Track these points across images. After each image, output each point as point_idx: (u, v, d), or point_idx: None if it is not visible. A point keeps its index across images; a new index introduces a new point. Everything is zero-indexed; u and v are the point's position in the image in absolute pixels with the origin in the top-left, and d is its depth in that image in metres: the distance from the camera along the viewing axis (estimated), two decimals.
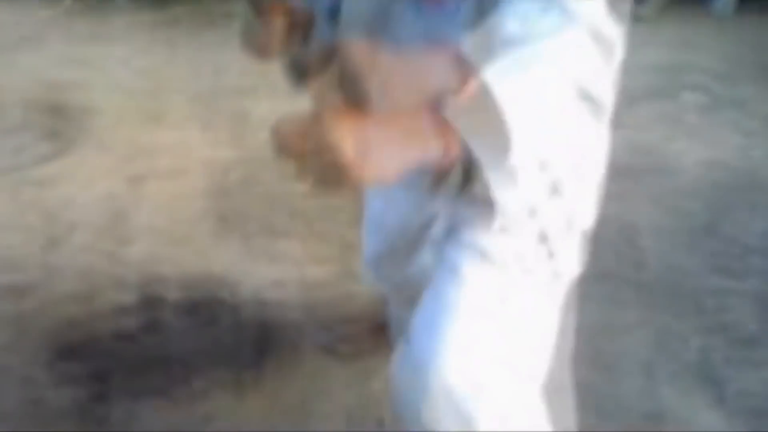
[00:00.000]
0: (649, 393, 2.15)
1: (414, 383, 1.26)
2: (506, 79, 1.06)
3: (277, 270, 2.74)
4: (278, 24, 1.49)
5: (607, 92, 1.17)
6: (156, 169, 3.29)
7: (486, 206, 1.26)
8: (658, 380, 2.20)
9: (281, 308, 2.55)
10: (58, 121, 3.65)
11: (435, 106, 1.07)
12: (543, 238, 1.36)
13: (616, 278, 2.55)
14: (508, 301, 1.34)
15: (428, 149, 1.07)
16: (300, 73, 1.49)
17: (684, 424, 2.10)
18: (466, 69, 1.07)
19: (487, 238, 1.33)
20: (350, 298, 2.59)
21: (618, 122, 1.39)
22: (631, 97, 3.36)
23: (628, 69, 1.31)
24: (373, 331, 2.35)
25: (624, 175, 3.00)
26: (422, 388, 1.25)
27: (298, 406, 2.16)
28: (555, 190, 1.32)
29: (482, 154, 1.09)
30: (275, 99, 3.65)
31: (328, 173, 1.01)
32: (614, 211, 1.26)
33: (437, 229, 1.52)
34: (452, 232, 1.41)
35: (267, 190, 3.13)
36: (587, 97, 1.13)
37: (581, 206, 1.40)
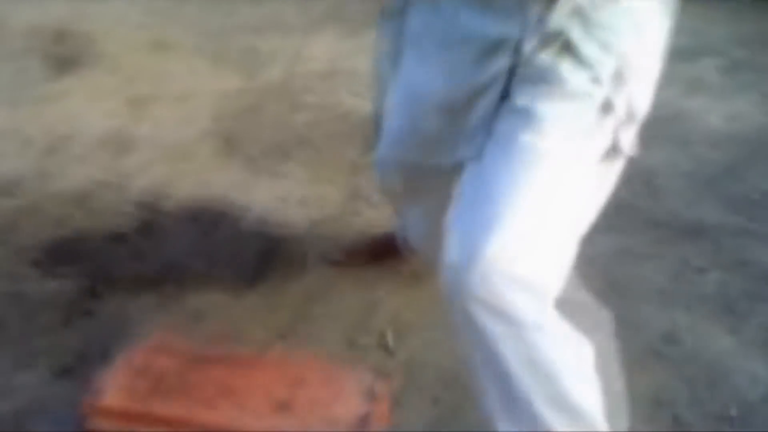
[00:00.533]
0: (665, 318, 2.06)
1: (465, 264, 1.21)
2: None
3: (281, 187, 2.64)
4: None
5: None
6: (160, 94, 3.20)
7: (548, 71, 1.23)
8: (675, 307, 2.11)
9: (284, 222, 2.45)
10: (62, 47, 3.57)
11: None
12: (606, 107, 1.29)
13: (633, 213, 2.45)
14: (564, 173, 1.27)
15: None
16: None
17: (700, 348, 1.99)
18: None
19: (548, 104, 1.25)
20: (356, 215, 2.50)
21: None
22: None
23: None
24: (379, 245, 2.25)
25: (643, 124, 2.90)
26: (474, 266, 1.20)
27: (295, 310, 2.05)
28: (620, 74, 1.28)
29: None
30: (285, 37, 3.61)
31: None
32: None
33: (489, 98, 1.38)
34: (507, 101, 1.32)
35: (274, 118, 3.03)
36: None
37: (640, 94, 1.34)
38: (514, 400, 1.22)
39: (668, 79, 1.38)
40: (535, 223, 1.21)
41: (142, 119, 2.97)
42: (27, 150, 2.79)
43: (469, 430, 1.62)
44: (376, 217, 2.39)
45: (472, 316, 1.17)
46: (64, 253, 2.23)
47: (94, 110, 3.04)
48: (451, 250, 1.21)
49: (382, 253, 2.19)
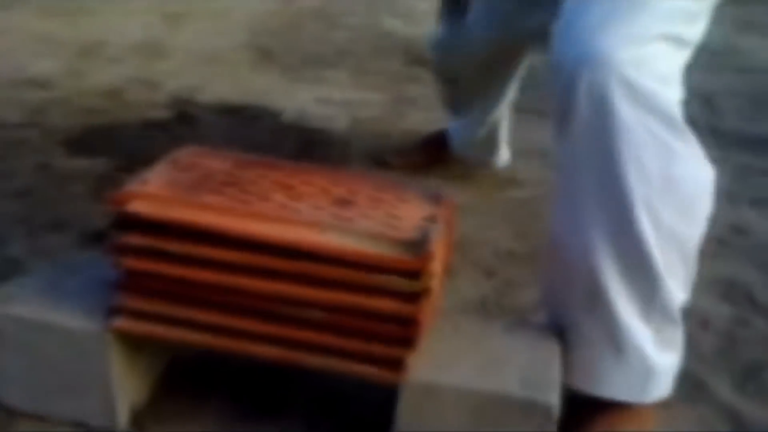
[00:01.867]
0: (732, 214, 1.91)
1: (575, 56, 1.05)
2: None
3: (322, 90, 2.52)
4: None
5: None
6: (196, 10, 3.10)
7: None
8: (741, 205, 1.96)
9: (326, 120, 2.32)
10: None
11: None
12: None
13: (694, 127, 2.29)
14: None
15: None
16: None
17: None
18: None
19: None
20: (401, 117, 2.36)
21: None
22: None
23: None
24: (427, 145, 2.12)
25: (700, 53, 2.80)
26: (586, 59, 1.04)
27: None
28: None
29: None
30: None
31: None
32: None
33: None
34: None
35: (313, 34, 2.92)
36: None
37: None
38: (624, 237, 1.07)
39: (720, 19, 1.25)
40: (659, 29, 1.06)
41: (177, 31, 2.87)
42: (61, 51, 2.70)
43: (523, 304, 1.53)
44: (423, 119, 2.26)
45: (613, 106, 1.01)
46: (96, 137, 2.11)
47: (129, 22, 2.95)
48: (579, 40, 1.05)
49: (433, 153, 2.07)
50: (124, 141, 2.11)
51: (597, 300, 1.08)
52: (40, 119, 2.19)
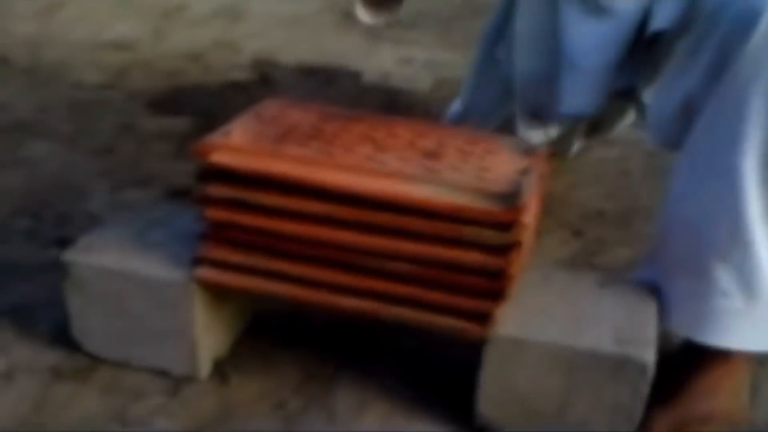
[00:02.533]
0: None
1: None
2: None
3: (404, 51, 2.50)
4: None
5: None
6: None
7: None
8: None
9: (409, 81, 2.31)
10: None
11: None
12: None
13: None
14: None
15: None
16: None
17: None
18: None
19: None
20: None
21: None
22: None
23: None
24: None
25: None
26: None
27: None
28: None
29: None
30: None
31: None
32: None
33: None
34: None
35: None
36: None
37: None
38: None
39: None
40: None
41: None
42: (141, 15, 2.73)
43: (613, 263, 1.52)
44: None
45: None
46: (178, 98, 2.12)
47: None
48: None
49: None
50: (206, 102, 2.13)
51: (738, 242, 1.06)
52: (121, 81, 2.21)
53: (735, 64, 1.02)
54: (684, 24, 1.26)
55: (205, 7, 2.75)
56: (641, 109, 1.48)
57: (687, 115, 1.11)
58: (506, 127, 1.57)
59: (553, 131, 1.61)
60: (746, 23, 1.01)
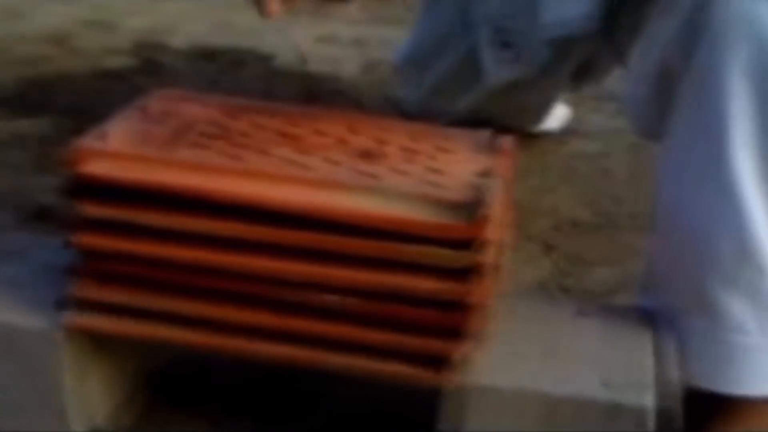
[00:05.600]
0: None
1: None
2: None
3: (326, 27, 2.52)
4: None
5: None
6: None
7: None
8: None
9: (332, 63, 2.32)
10: None
11: None
12: None
13: None
14: None
15: None
16: None
17: None
18: None
19: None
20: None
21: None
22: None
23: None
24: None
25: None
26: None
27: None
28: None
29: None
30: None
31: None
32: None
33: None
34: None
35: None
36: None
37: None
38: None
39: None
40: None
41: None
42: None
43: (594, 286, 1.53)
44: None
45: None
46: (37, 93, 2.09)
47: None
48: None
49: None
50: (74, 97, 2.11)
51: (745, 260, 1.06)
52: None
53: (708, 31, 1.03)
54: None
55: None
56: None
57: (664, 90, 1.12)
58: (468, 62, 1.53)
59: (530, 67, 1.59)
60: None
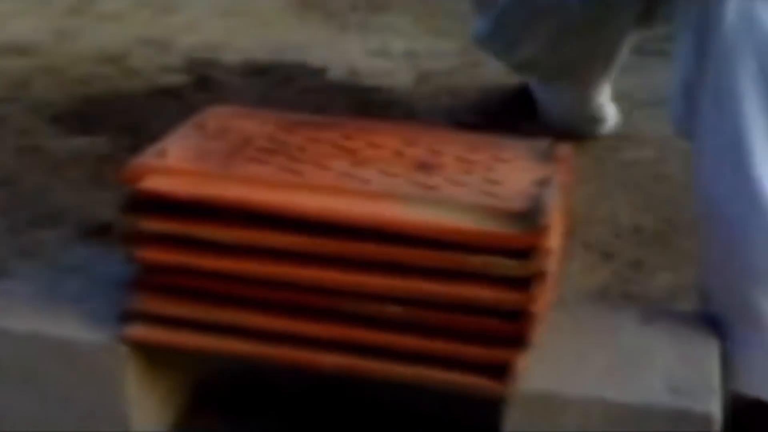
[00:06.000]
0: None
1: None
2: None
3: (377, 40, 2.51)
4: None
5: None
6: None
7: None
8: None
9: (384, 76, 2.30)
10: None
11: None
12: None
13: None
14: None
15: None
16: None
17: None
18: None
19: None
20: (476, 66, 2.35)
21: None
22: None
23: None
24: (509, 99, 2.15)
25: None
26: None
27: None
28: None
29: None
30: None
31: None
32: None
33: None
34: None
35: None
36: None
37: None
38: None
39: None
40: None
41: None
42: (43, 10, 2.71)
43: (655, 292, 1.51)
44: (504, 70, 2.17)
45: None
46: (93, 111, 2.11)
47: None
48: None
49: (514, 108, 2.09)
50: (129, 115, 2.11)
51: None
52: (22, 92, 2.20)
53: (714, 48, 1.05)
54: None
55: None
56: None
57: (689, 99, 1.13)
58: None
59: None
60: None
